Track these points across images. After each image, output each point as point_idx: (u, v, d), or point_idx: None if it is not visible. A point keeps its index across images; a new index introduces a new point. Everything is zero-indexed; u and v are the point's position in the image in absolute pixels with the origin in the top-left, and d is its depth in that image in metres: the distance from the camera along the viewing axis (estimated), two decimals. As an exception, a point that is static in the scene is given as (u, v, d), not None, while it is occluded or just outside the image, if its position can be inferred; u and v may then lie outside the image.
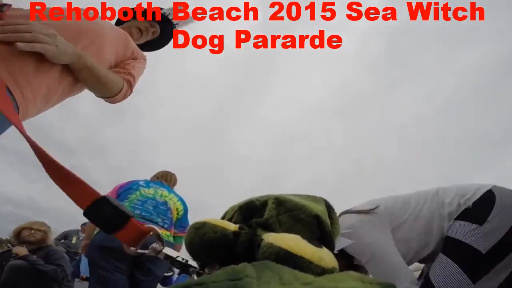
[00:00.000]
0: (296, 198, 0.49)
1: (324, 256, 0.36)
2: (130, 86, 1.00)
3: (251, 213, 0.48)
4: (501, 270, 0.78)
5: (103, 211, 0.47)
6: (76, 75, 0.84)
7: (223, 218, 0.54)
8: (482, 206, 0.84)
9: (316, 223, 0.45)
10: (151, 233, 0.49)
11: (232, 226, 0.43)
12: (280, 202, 0.47)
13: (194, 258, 0.44)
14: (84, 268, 3.36)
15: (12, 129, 0.67)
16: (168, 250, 0.50)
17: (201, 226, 0.42)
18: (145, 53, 1.19)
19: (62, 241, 4.09)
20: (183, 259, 0.49)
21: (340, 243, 0.54)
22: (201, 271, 0.45)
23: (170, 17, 1.26)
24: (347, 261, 0.95)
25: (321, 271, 0.35)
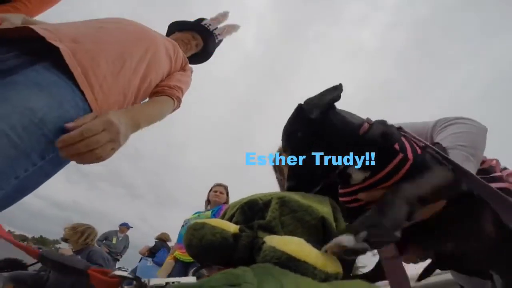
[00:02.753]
0: (302, 198, 0.47)
1: (328, 261, 0.35)
2: (179, 101, 0.99)
3: (254, 213, 0.46)
4: None
5: None
6: None
7: (223, 215, 0.52)
8: None
9: (321, 225, 0.43)
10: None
11: (232, 228, 0.40)
12: (284, 202, 0.44)
13: (193, 259, 0.43)
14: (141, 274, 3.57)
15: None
16: (154, 281, 0.48)
17: (200, 228, 0.40)
18: None
19: (104, 241, 4.39)
20: (173, 282, 0.47)
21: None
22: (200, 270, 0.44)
23: (211, 28, 1.23)
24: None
25: (325, 277, 0.34)
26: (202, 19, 1.24)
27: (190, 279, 0.47)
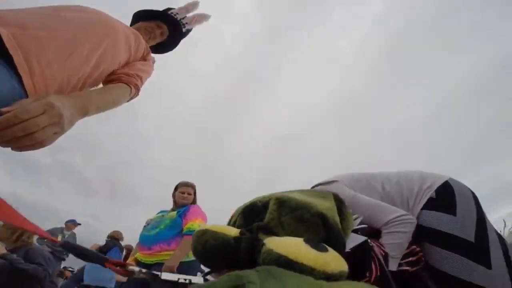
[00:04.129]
0: (301, 196, 0.46)
1: (329, 261, 0.34)
2: (138, 90, 0.97)
3: (254, 216, 0.46)
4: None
5: None
6: None
7: (229, 222, 0.52)
8: (446, 195, 0.92)
9: (321, 222, 0.43)
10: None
11: (234, 232, 0.41)
12: (282, 203, 0.44)
13: (202, 264, 0.44)
14: (87, 276, 3.29)
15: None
16: (167, 275, 0.47)
17: (202, 234, 0.40)
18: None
19: (46, 240, 3.98)
20: (185, 279, 0.47)
21: (354, 240, 0.51)
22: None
23: (179, 17, 1.20)
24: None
25: (325, 277, 0.33)
26: (169, 8, 1.22)
27: (199, 279, 0.48)
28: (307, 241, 0.36)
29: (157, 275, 0.48)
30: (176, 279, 0.47)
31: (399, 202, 0.96)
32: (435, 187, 0.93)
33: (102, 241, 3.96)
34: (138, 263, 1.80)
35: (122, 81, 0.90)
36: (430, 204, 0.91)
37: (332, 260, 0.34)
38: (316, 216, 0.43)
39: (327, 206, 0.45)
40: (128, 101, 0.96)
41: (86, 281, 3.34)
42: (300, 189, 0.51)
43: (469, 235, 0.85)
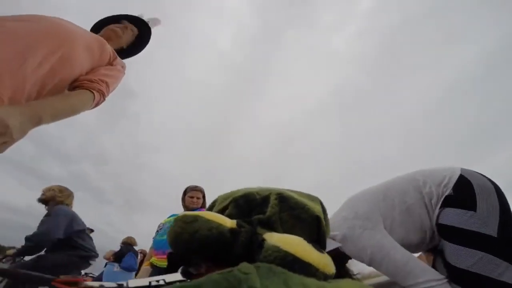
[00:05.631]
0: (297, 196, 0.46)
1: (328, 263, 0.35)
2: (103, 95, 0.96)
3: (250, 208, 0.43)
4: None
5: None
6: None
7: (211, 207, 0.49)
8: (464, 191, 0.87)
9: (315, 224, 0.43)
10: None
11: (229, 222, 0.37)
12: (283, 199, 0.43)
13: (180, 254, 0.39)
14: (106, 281, 3.33)
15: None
16: (133, 282, 0.44)
17: (192, 221, 0.35)
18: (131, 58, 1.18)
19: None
20: (157, 281, 0.43)
21: (329, 245, 0.51)
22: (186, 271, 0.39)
23: (143, 17, 1.26)
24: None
25: (324, 278, 0.33)
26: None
27: (175, 276, 0.42)
28: (304, 239, 0.35)
29: (122, 284, 0.44)
30: (147, 284, 0.44)
31: (424, 213, 0.92)
32: (451, 185, 0.89)
33: (116, 247, 4.01)
34: (154, 267, 1.82)
35: (84, 87, 0.90)
36: (449, 202, 0.87)
37: (329, 262, 0.35)
38: (312, 218, 0.43)
39: (319, 210, 0.45)
40: (93, 107, 0.96)
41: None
42: (289, 189, 0.49)
43: (492, 230, 0.80)
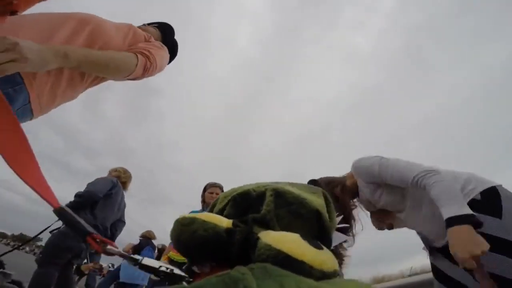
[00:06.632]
0: (296, 190, 0.44)
1: (325, 259, 0.33)
2: (148, 58, 0.93)
3: (246, 206, 0.43)
4: None
5: None
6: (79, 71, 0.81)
7: (213, 206, 0.49)
8: (491, 199, 0.89)
9: (315, 219, 0.41)
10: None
11: (225, 222, 0.37)
12: (279, 194, 0.42)
13: (183, 255, 0.40)
14: (123, 273, 3.56)
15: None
16: (147, 261, 0.46)
17: (190, 223, 0.37)
18: None
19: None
20: (167, 268, 0.45)
21: (336, 239, 0.52)
22: (190, 270, 0.41)
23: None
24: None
25: (322, 275, 0.32)
26: None
27: (180, 271, 0.45)
28: (303, 237, 0.35)
29: (137, 259, 0.46)
30: (157, 266, 0.45)
31: None
32: (480, 189, 0.92)
33: (136, 240, 4.14)
34: (171, 261, 1.88)
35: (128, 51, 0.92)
36: (474, 206, 0.86)
37: (328, 259, 0.34)
38: (311, 213, 0.41)
39: (320, 203, 0.44)
40: (145, 72, 0.94)
41: (122, 279, 3.53)
42: (290, 182, 0.48)
43: None
